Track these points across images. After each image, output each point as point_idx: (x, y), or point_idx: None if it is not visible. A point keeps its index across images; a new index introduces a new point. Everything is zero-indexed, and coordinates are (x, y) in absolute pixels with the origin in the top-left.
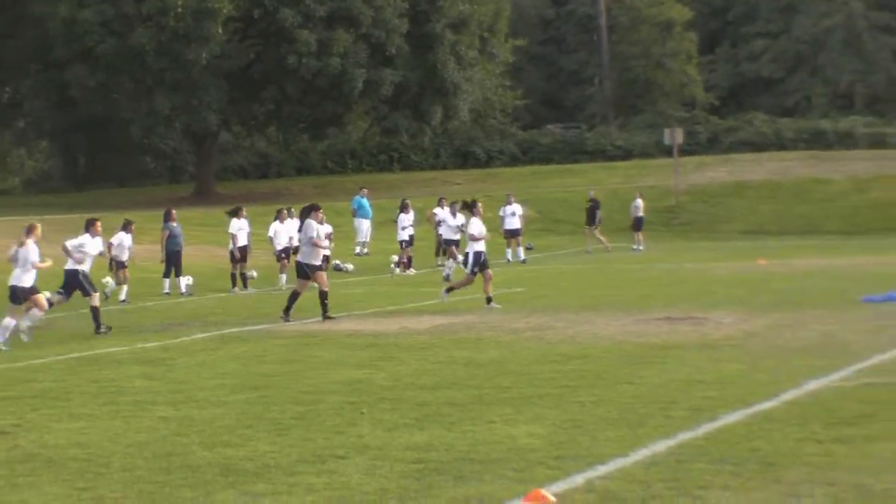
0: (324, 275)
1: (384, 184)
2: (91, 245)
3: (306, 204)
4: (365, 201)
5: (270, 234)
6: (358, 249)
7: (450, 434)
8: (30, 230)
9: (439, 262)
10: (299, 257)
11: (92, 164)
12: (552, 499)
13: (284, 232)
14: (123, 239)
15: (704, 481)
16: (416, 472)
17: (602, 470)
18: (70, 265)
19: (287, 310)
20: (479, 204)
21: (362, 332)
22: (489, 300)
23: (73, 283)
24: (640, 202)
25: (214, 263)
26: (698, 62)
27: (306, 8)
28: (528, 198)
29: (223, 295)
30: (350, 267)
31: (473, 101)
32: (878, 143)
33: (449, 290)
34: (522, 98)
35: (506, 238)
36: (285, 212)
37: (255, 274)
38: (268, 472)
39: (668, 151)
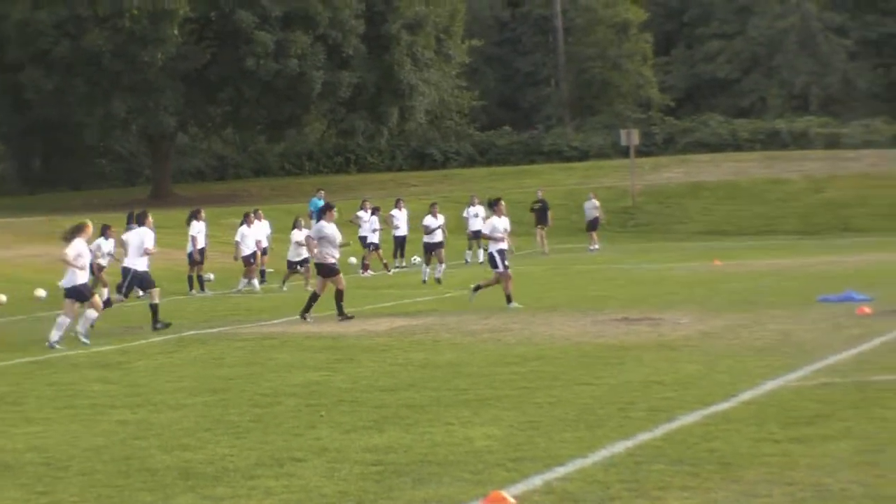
0: (340, 276)
1: (341, 185)
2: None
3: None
4: (321, 203)
5: (237, 238)
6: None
7: (408, 436)
8: (79, 230)
9: (396, 265)
10: (316, 258)
11: (47, 167)
12: (511, 500)
13: (252, 235)
14: (102, 244)
15: (663, 482)
16: (375, 475)
17: (560, 471)
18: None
19: (306, 310)
20: (502, 202)
21: (321, 335)
22: (510, 299)
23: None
24: (594, 202)
25: (171, 266)
26: (654, 63)
27: (263, 9)
28: (485, 199)
29: (181, 298)
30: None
31: (430, 102)
32: (832, 143)
33: (477, 288)
34: (479, 99)
35: (469, 239)
36: (252, 215)
37: (212, 277)
38: (226, 476)
39: (624, 152)
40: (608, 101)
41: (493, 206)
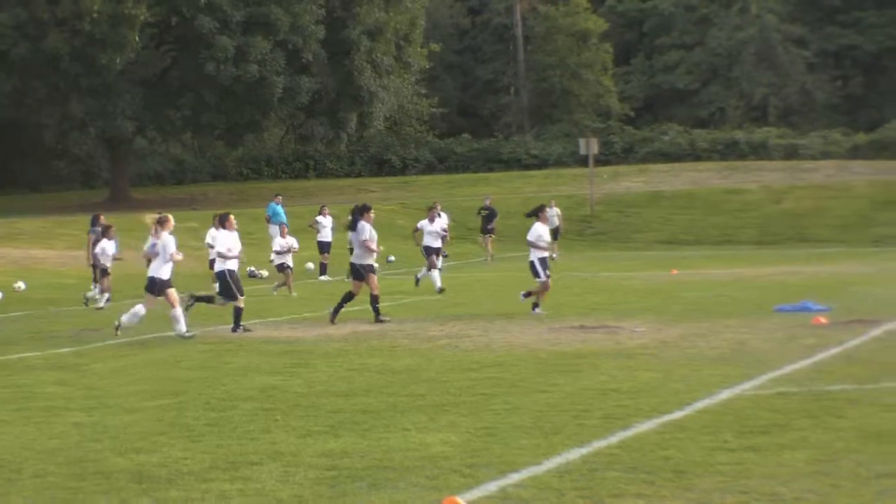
0: (375, 277)
1: (299, 191)
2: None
3: (358, 204)
4: (280, 208)
5: (208, 240)
6: (273, 257)
7: (364, 441)
8: (163, 222)
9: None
10: (353, 259)
11: (4, 169)
12: None
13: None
14: (106, 246)
15: (617, 490)
16: (330, 479)
17: (515, 478)
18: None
19: (337, 310)
20: (547, 209)
21: (278, 339)
22: (536, 305)
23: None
24: (555, 210)
25: (129, 269)
26: (614, 73)
27: (223, 14)
28: (444, 206)
29: (140, 300)
30: (265, 273)
31: (389, 108)
32: (790, 154)
33: (527, 294)
34: (438, 106)
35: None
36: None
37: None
38: (181, 479)
39: (583, 161)
40: (568, 109)
41: (537, 213)
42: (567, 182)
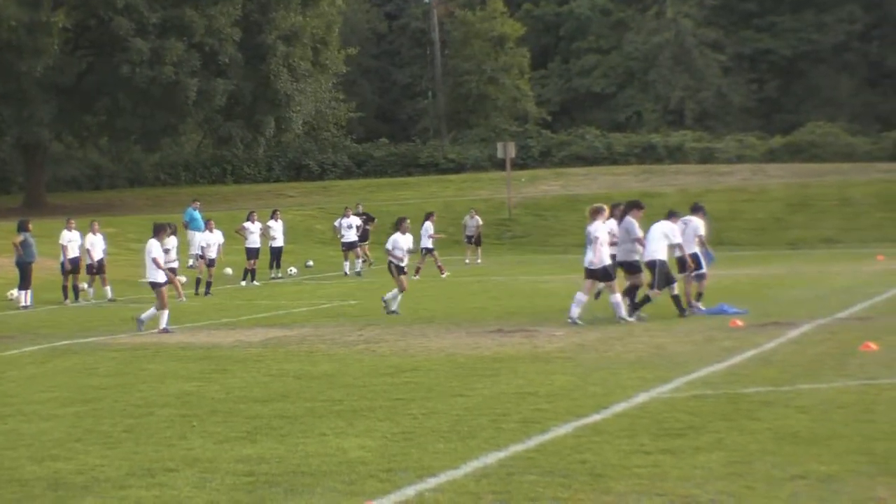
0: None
1: (218, 196)
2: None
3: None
4: (197, 214)
5: (204, 244)
6: (191, 262)
7: (281, 447)
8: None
9: (272, 276)
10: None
11: None
12: None
13: (214, 241)
14: (95, 241)
15: (534, 493)
16: (247, 485)
17: (433, 482)
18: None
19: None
20: (471, 219)
21: (195, 345)
22: (639, 305)
23: None
24: (477, 219)
25: (45, 275)
26: (530, 77)
27: (140, 16)
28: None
29: (54, 307)
30: (182, 279)
31: (307, 113)
32: (707, 157)
33: (646, 299)
34: (356, 111)
35: (343, 251)
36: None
37: (90, 290)
38: (97, 486)
39: (500, 165)
40: (485, 114)
41: (637, 207)
42: (485, 186)
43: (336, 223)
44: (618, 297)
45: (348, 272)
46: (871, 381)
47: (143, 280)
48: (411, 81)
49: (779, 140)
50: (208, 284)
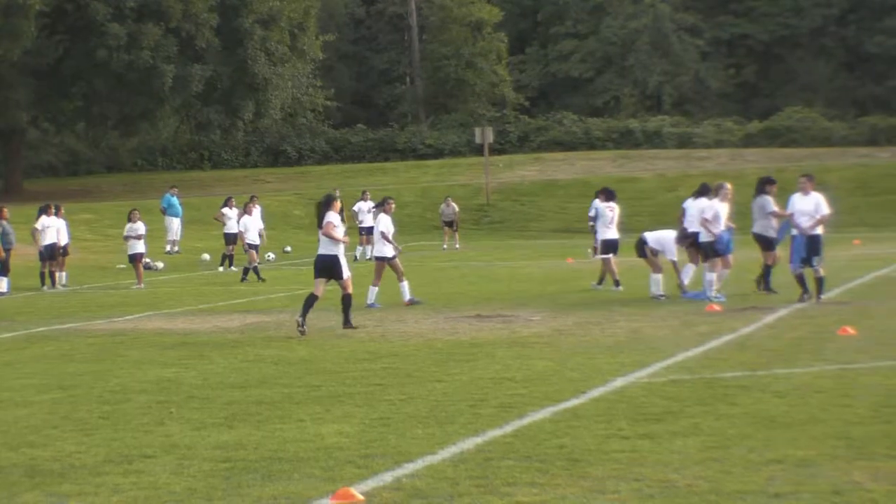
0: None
1: (195, 182)
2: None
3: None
4: (175, 199)
5: (241, 227)
6: (168, 248)
7: (258, 433)
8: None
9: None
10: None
11: None
12: (360, 497)
13: (254, 224)
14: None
15: (512, 478)
16: (225, 471)
17: (410, 468)
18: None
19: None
20: (447, 206)
21: (172, 331)
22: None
23: None
24: (454, 206)
25: (22, 262)
26: (508, 62)
27: (117, 1)
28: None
29: (31, 293)
30: (160, 265)
31: (285, 98)
32: (684, 142)
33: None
34: (333, 97)
35: (362, 235)
36: (250, 203)
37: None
38: (74, 473)
39: (478, 150)
40: (463, 99)
41: (718, 190)
42: (463, 171)
43: (355, 207)
44: (660, 277)
45: (359, 257)
46: (849, 366)
47: (121, 265)
48: (389, 67)
49: (756, 125)
50: (256, 269)
